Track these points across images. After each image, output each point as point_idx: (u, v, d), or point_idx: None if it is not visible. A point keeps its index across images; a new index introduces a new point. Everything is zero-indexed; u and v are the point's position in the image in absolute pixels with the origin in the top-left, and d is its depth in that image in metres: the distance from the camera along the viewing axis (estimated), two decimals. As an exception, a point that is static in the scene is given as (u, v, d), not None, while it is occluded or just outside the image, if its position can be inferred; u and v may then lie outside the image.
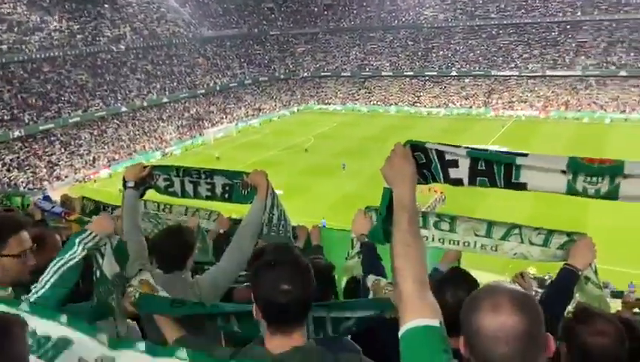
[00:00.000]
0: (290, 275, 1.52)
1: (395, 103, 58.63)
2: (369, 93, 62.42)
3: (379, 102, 59.81)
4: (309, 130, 48.35)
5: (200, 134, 49.91)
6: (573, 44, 56.99)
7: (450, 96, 57.50)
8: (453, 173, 1.71)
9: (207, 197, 3.05)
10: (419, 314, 1.26)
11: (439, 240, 2.68)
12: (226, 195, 2.97)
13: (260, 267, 1.58)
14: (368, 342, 2.18)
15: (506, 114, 51.25)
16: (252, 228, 2.70)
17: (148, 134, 48.28)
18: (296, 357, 1.50)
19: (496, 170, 1.61)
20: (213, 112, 55.81)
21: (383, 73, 63.95)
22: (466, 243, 2.64)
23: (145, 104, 51.73)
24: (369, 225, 2.71)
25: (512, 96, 54.38)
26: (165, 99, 53.63)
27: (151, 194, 3.14)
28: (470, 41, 62.84)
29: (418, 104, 57.61)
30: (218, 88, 60.28)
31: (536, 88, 54.36)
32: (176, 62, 59.51)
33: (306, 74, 67.72)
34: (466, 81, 58.69)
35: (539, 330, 1.12)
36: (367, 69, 65.53)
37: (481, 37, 62.87)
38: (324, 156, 38.64)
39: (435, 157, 1.70)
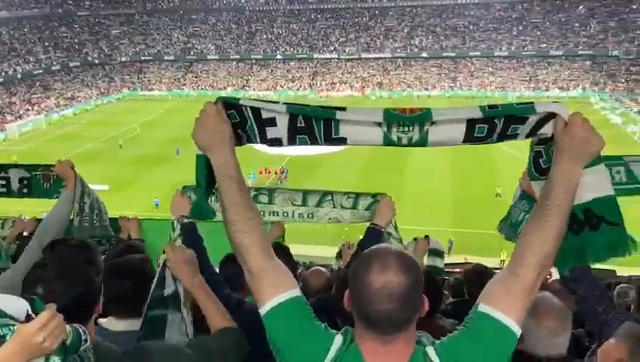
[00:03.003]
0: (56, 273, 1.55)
1: (224, 87, 62.27)
2: (196, 77, 65.09)
3: (207, 87, 62.69)
4: (133, 118, 49.03)
5: (1, 130, 47.29)
6: (382, 29, 67.52)
7: (278, 79, 63.39)
8: (271, 132, 1.65)
9: (2, 194, 2.94)
10: (281, 288, 1.37)
11: (260, 212, 2.44)
12: (25, 190, 2.89)
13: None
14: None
15: (329, 95, 58.60)
16: (56, 222, 2.67)
17: None
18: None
19: (316, 125, 1.60)
20: (15, 104, 52.84)
21: (209, 57, 67.20)
22: (285, 214, 2.80)
23: None
24: (188, 205, 2.62)
25: (334, 78, 62.27)
26: (-50, 91, 49.22)
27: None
28: (292, 25, 69.82)
29: (247, 88, 62.11)
30: (19, 76, 56.89)
31: (354, 70, 63.15)
32: (-40, 47, 54.54)
33: (124, 58, 67.36)
34: (291, 64, 65.33)
35: (418, 291, 1.27)
36: (192, 53, 68.05)
37: (301, 21, 70.26)
38: (152, 145, 39.74)
39: (251, 116, 1.63)
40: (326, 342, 1.31)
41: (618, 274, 8.03)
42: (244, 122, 1.67)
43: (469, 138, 1.57)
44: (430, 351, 1.29)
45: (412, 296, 1.26)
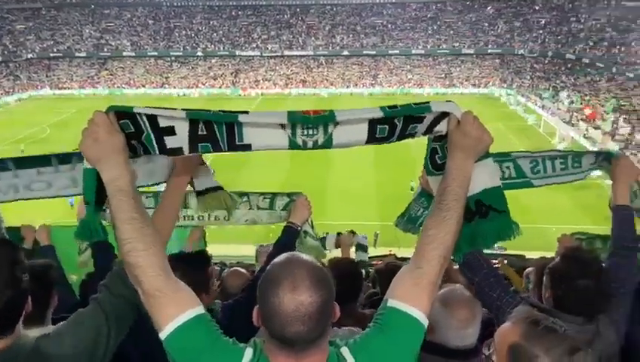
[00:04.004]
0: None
1: (143, 85, 59.87)
2: (111, 75, 61.97)
3: (124, 85, 60.01)
4: (43, 119, 46.12)
5: None
6: (304, 27, 67.82)
7: (199, 76, 61.80)
8: (170, 142, 1.54)
9: None
10: (182, 308, 1.28)
11: None
12: None
13: None
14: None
15: (253, 93, 58.07)
16: None
17: None
18: None
19: (218, 132, 1.51)
20: None
21: (125, 53, 64.18)
22: (201, 217, 2.71)
23: None
24: None
25: (257, 76, 61.76)
26: None
27: None
28: (212, 22, 68.30)
29: (167, 85, 60.08)
30: None
31: (277, 68, 62.91)
32: None
33: (30, 55, 62.68)
34: (213, 61, 63.94)
35: (330, 304, 1.26)
36: (106, 49, 64.67)
37: (222, 17, 68.92)
38: (63, 146, 37.72)
39: (147, 125, 1.51)
40: (235, 358, 1.27)
41: (527, 258, 8.71)
42: (139, 132, 1.54)
43: (372, 139, 1.61)
44: (344, 351, 1.30)
45: (325, 311, 1.24)
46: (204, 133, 1.54)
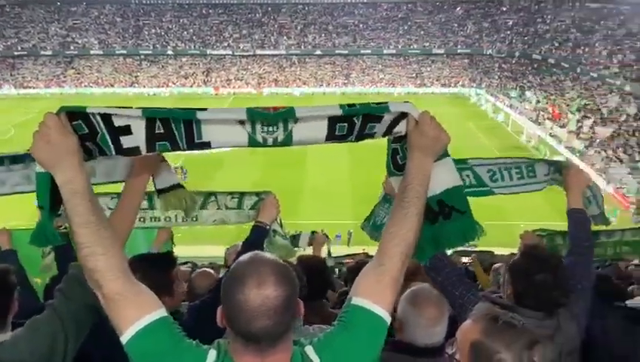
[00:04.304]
0: None
1: (111, 84, 58.59)
2: (78, 74, 60.43)
3: (92, 84, 58.58)
4: (6, 119, 44.68)
5: None
6: (276, 26, 67.54)
7: (170, 75, 60.84)
8: (126, 141, 1.50)
9: None
10: (143, 311, 1.27)
11: (140, 219, 2.56)
12: None
13: None
14: None
15: (225, 92, 57.48)
16: None
17: None
18: None
19: (176, 130, 1.49)
20: None
21: (92, 52, 62.69)
22: (168, 218, 2.67)
23: None
24: None
25: (229, 75, 61.17)
26: None
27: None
28: (182, 20, 67.34)
29: (136, 85, 58.94)
30: None
31: (249, 67, 62.44)
32: None
33: (-7, 53, 60.81)
34: (184, 60, 63.06)
35: (294, 300, 1.29)
36: (73, 47, 63.03)
37: (192, 15, 68.02)
38: (28, 147, 37.04)
39: (102, 125, 1.47)
40: (198, 360, 1.27)
41: (496, 254, 8.89)
42: (94, 133, 1.50)
43: (331, 136, 1.62)
44: (309, 349, 1.31)
45: (289, 306, 1.26)
46: (162, 131, 1.51)
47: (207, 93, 56.79)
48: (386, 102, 1.66)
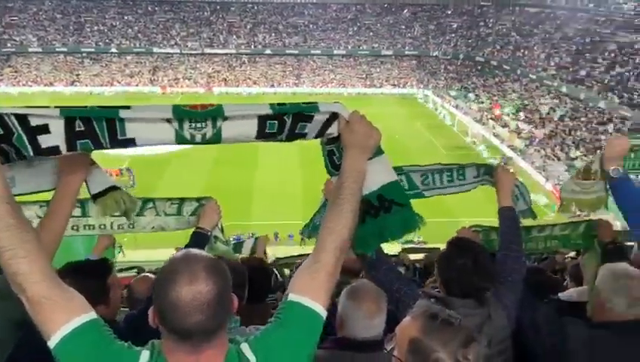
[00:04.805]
0: None
1: (51, 83, 56.08)
2: (16, 72, 57.42)
3: (30, 83, 55.85)
4: None
5: None
6: (225, 24, 66.65)
7: (114, 74, 58.84)
8: (44, 141, 1.46)
9: None
10: (71, 314, 1.24)
11: (73, 227, 2.49)
12: None
13: None
14: None
15: (173, 91, 56.08)
16: None
17: None
18: None
19: (98, 127, 1.46)
20: None
21: (30, 49, 59.77)
22: (102, 226, 2.59)
23: None
24: None
25: (177, 74, 59.85)
26: None
27: None
28: (126, 17, 65.30)
29: (78, 83, 56.70)
30: None
31: (198, 66, 61.30)
32: None
33: None
34: (129, 58, 61.13)
35: (228, 295, 1.29)
36: (9, 45, 59.84)
37: (137, 13, 66.11)
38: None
39: (17, 125, 1.43)
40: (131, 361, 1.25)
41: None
42: (9, 134, 1.45)
43: (262, 134, 1.64)
44: (244, 347, 1.31)
45: (223, 300, 1.26)
46: (82, 129, 1.48)
47: (154, 93, 55.35)
48: (316, 103, 1.70)
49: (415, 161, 2.91)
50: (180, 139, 1.56)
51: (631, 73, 38.67)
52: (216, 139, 1.59)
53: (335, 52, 64.26)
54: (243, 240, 4.39)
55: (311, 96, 52.59)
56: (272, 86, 58.96)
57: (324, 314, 1.42)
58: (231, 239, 4.18)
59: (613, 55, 42.85)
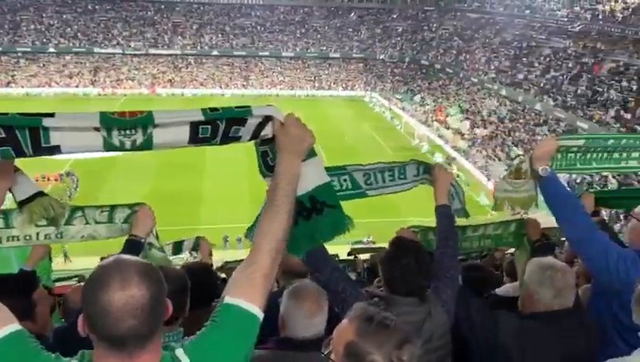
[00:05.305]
0: None
1: (-18, 84, 53.07)
2: (-58, 72, 53.97)
3: (-41, 84, 52.65)
4: None
5: None
6: (170, 24, 65.04)
7: (52, 74, 56.22)
8: None
9: None
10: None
11: None
12: None
13: None
14: None
15: (116, 92, 54.24)
16: None
17: None
18: None
19: (21, 136, 1.43)
20: None
21: (-39, 48, 56.37)
22: (28, 237, 2.43)
23: None
24: None
25: (120, 75, 57.93)
26: None
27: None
28: (65, 16, 62.52)
29: (13, 84, 53.77)
30: None
31: (142, 66, 59.56)
32: None
33: None
34: (67, 58, 58.58)
35: (162, 300, 1.26)
36: (-64, 43, 56.15)
37: (76, 11, 63.42)
38: None
39: None
40: None
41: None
42: None
43: (194, 139, 1.64)
44: (179, 352, 1.30)
45: (157, 305, 1.23)
46: (3, 136, 1.44)
47: (95, 94, 53.37)
48: (249, 106, 1.72)
49: (363, 163, 2.98)
50: (109, 146, 1.53)
51: (564, 77, 40.78)
52: (147, 145, 1.58)
53: (283, 54, 64.13)
54: (184, 240, 4.30)
55: (260, 97, 52.31)
56: (221, 87, 58.14)
57: (260, 315, 1.43)
58: (169, 243, 4.08)
59: (548, 59, 45.06)
